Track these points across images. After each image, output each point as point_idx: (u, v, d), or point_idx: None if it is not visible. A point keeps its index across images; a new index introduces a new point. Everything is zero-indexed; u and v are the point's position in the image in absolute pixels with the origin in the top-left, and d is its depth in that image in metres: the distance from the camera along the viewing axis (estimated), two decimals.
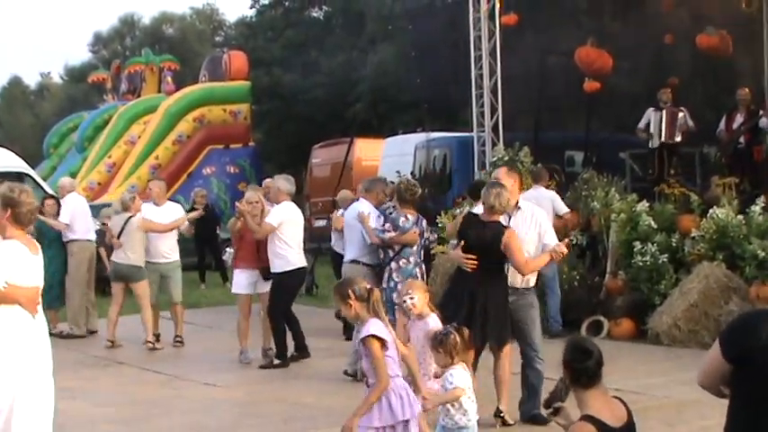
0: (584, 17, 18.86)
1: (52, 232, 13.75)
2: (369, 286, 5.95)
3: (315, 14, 43.02)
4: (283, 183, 11.54)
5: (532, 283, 8.51)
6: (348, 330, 12.10)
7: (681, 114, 15.80)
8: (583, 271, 13.40)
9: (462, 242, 8.26)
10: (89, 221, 14.41)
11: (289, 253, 11.27)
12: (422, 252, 10.10)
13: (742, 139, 15.48)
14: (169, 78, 31.57)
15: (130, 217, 13.04)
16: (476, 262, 8.12)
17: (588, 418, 4.06)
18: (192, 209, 19.38)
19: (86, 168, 28.61)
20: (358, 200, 11.43)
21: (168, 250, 13.28)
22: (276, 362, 11.45)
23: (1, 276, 6.01)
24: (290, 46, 39.21)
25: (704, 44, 17.30)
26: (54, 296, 13.43)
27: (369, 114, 32.83)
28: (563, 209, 12.94)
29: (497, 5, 16.80)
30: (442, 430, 6.37)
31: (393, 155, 20.82)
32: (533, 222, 8.43)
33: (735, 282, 11.88)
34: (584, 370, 4.18)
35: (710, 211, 12.53)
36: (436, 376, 6.61)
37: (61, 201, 14.28)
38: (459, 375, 6.24)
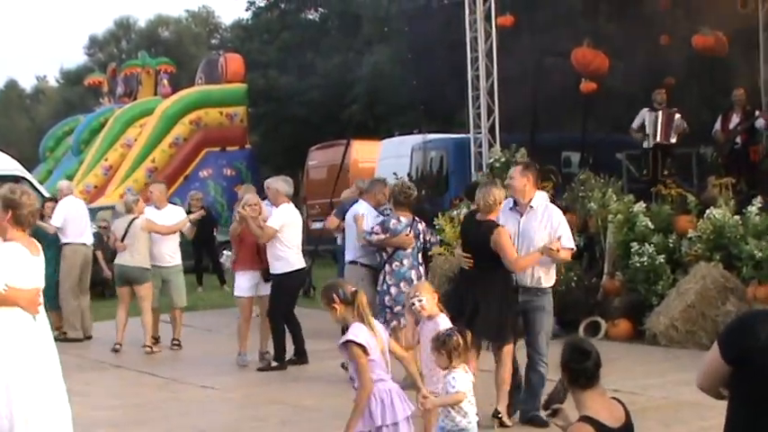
0: (580, 18, 18.86)
1: (50, 234, 13.75)
2: (354, 289, 5.94)
3: (311, 16, 42.99)
4: (282, 184, 11.54)
5: (545, 283, 8.42)
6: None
7: (678, 116, 15.82)
8: (580, 272, 13.40)
9: (461, 241, 8.33)
10: (83, 225, 14.34)
11: (289, 255, 11.30)
12: (419, 254, 10.05)
13: (738, 140, 15.49)
14: (165, 81, 31.56)
15: (134, 219, 13.05)
16: (473, 260, 8.21)
17: (587, 419, 4.07)
18: (189, 212, 19.41)
19: (83, 171, 28.58)
20: (357, 201, 11.46)
21: (171, 254, 13.28)
22: (274, 364, 11.46)
23: (1, 279, 6.00)
24: (286, 48, 39.19)
25: (700, 45, 17.31)
26: (50, 297, 13.40)
27: (365, 116, 32.84)
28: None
29: (493, 7, 16.82)
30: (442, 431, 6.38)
31: (390, 156, 20.83)
32: (545, 221, 8.39)
33: (732, 282, 11.87)
34: (582, 371, 4.18)
35: (707, 211, 12.53)
36: None
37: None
38: (462, 378, 6.24)
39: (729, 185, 13.55)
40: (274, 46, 39.73)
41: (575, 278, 13.31)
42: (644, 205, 13.26)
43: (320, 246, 18.40)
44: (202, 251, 20.11)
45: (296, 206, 11.99)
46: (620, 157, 16.69)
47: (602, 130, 18.79)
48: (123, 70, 33.89)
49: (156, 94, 31.58)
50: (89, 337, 14.32)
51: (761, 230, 12.05)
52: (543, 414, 7.24)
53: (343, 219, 12.76)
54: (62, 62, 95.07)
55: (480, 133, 17.05)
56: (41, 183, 21.52)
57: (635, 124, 16.12)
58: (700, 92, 20.00)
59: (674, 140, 15.83)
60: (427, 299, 7.12)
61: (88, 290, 14.60)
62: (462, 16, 17.19)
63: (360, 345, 5.74)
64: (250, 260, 11.60)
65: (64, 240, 14.00)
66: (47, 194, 15.80)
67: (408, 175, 18.44)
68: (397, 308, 9.68)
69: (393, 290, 9.76)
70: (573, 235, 8.69)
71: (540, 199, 8.52)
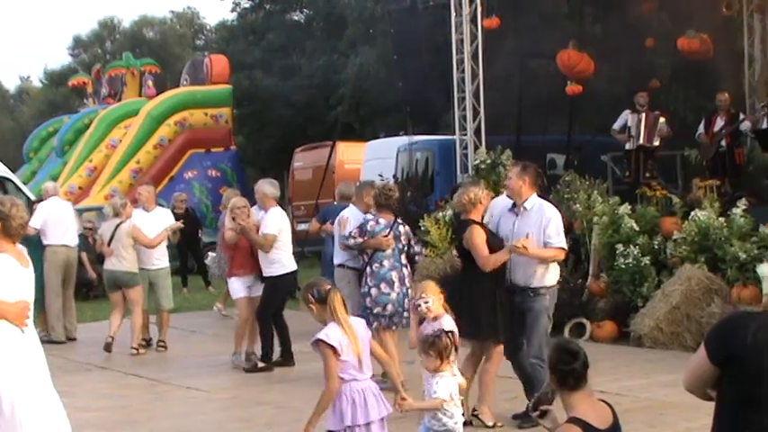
0: (566, 21, 18.91)
1: (35, 236, 13.69)
2: (328, 287, 5.95)
3: (296, 18, 42.98)
4: (269, 187, 11.54)
5: (536, 284, 8.40)
6: None
7: (662, 120, 15.87)
8: (565, 273, 13.36)
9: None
10: (65, 226, 14.22)
11: (283, 257, 11.35)
12: (401, 256, 10.00)
13: (723, 142, 15.56)
14: (150, 82, 31.46)
15: (120, 223, 12.98)
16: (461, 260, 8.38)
17: (574, 420, 4.07)
18: (173, 213, 19.36)
19: (67, 172, 28.46)
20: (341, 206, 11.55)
21: (158, 256, 13.25)
22: (261, 365, 11.43)
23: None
24: (271, 49, 39.17)
25: (685, 47, 17.39)
26: (37, 299, 13.32)
27: (350, 118, 32.82)
28: None
29: (479, 9, 16.84)
30: (426, 431, 6.37)
31: (375, 158, 20.84)
32: (539, 222, 8.41)
33: (717, 284, 11.91)
34: (570, 372, 4.19)
35: (692, 213, 12.58)
36: None
37: None
38: (445, 384, 6.22)
39: (714, 188, 13.60)
40: (259, 47, 39.70)
41: (560, 279, 13.32)
42: (629, 207, 13.29)
43: (306, 247, 18.39)
44: (187, 253, 20.06)
45: (281, 208, 11.98)
46: (604, 159, 16.74)
47: (587, 132, 18.85)
48: (108, 71, 33.76)
49: (140, 95, 31.49)
50: (73, 339, 14.27)
51: (745, 232, 12.09)
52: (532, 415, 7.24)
53: (324, 223, 12.80)
54: (46, 62, 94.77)
55: (466, 135, 17.07)
56: (25, 184, 21.41)
57: (617, 125, 16.18)
58: (685, 94, 20.08)
59: (656, 143, 15.90)
60: (433, 300, 7.11)
61: (73, 292, 14.53)
62: (448, 18, 17.21)
63: (330, 345, 5.76)
64: (246, 264, 11.56)
65: (45, 242, 13.93)
66: (32, 196, 15.73)
67: (394, 176, 18.46)
68: (377, 309, 9.67)
69: (374, 291, 9.76)
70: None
71: (535, 199, 8.53)
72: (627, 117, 15.99)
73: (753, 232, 12.06)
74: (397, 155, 19.79)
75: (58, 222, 14.08)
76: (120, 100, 31.76)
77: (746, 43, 18.46)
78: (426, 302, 7.11)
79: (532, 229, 8.37)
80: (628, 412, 7.77)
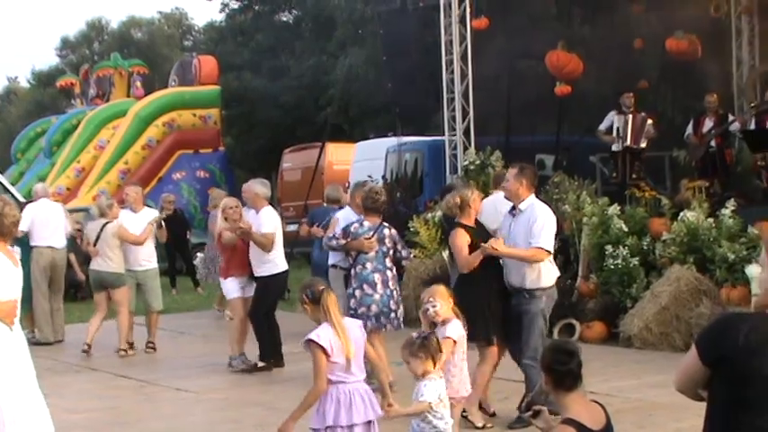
0: (555, 21, 18.93)
1: (24, 237, 13.63)
2: (322, 288, 5.97)
3: (284, 19, 42.92)
4: (260, 187, 11.52)
5: (528, 285, 8.40)
6: None
7: (650, 122, 15.89)
8: None
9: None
10: (52, 228, 14.14)
11: (276, 257, 11.34)
12: (385, 259, 9.98)
13: (713, 143, 15.59)
14: (138, 83, 31.43)
15: (107, 223, 12.94)
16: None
17: (569, 421, 4.07)
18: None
19: (55, 173, 28.42)
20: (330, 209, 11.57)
21: (146, 258, 13.18)
22: (260, 364, 11.38)
23: None
24: (260, 50, 39.13)
25: (673, 48, 17.42)
26: (24, 300, 13.30)
27: (339, 119, 32.80)
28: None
29: (468, 10, 16.85)
30: None
31: (364, 159, 20.82)
32: (527, 223, 8.44)
33: (705, 284, 11.93)
34: (567, 372, 4.18)
35: (681, 214, 12.60)
36: None
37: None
38: (433, 386, 6.19)
39: (703, 188, 13.63)
40: (248, 48, 39.66)
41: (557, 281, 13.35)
42: (618, 208, 13.30)
43: (295, 248, 18.36)
44: (176, 254, 20.03)
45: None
46: (593, 160, 16.76)
47: (575, 132, 18.86)
48: (96, 72, 33.71)
49: (128, 95, 31.46)
50: (61, 341, 14.22)
51: (734, 233, 12.11)
52: (524, 416, 7.25)
53: (313, 225, 12.79)
54: (33, 63, 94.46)
55: (455, 136, 17.08)
56: (13, 184, 21.35)
57: (602, 127, 16.20)
58: (673, 95, 20.12)
59: (643, 145, 15.92)
60: (441, 303, 7.10)
61: (61, 293, 14.47)
62: (437, 19, 17.22)
63: (320, 345, 5.77)
64: (242, 265, 11.51)
65: (31, 243, 13.88)
66: (20, 198, 15.67)
67: (383, 177, 18.45)
68: (362, 309, 9.65)
69: (357, 293, 9.75)
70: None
71: (530, 200, 8.54)
72: (613, 118, 16.01)
73: (741, 233, 12.08)
74: (387, 156, 19.78)
75: (45, 224, 14.02)
76: (108, 101, 31.72)
77: (734, 45, 18.52)
78: (434, 306, 7.10)
79: (522, 230, 8.40)
80: (617, 413, 7.73)
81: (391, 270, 9.94)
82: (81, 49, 57.57)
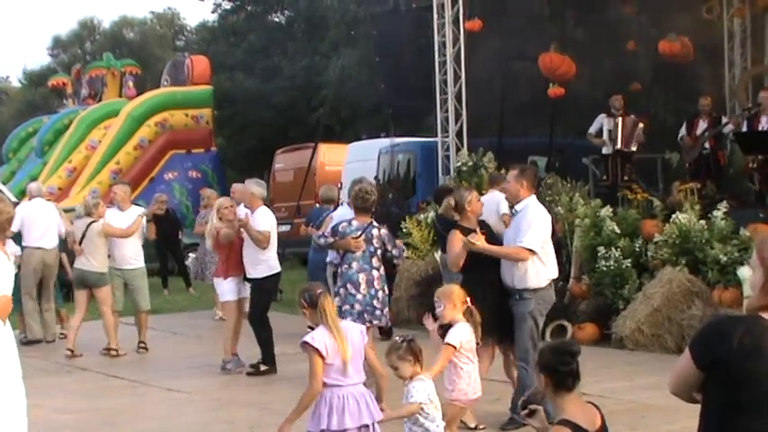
0: (548, 23, 18.95)
1: (17, 237, 13.59)
2: (319, 291, 5.98)
3: (277, 19, 42.89)
4: (256, 187, 11.50)
5: (518, 285, 8.40)
6: None
7: (640, 126, 15.90)
8: None
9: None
10: (44, 229, 14.07)
11: (270, 258, 11.30)
12: (371, 259, 9.97)
13: (707, 145, 15.62)
14: (131, 83, 31.36)
15: (92, 222, 12.90)
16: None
17: (564, 422, 4.07)
18: (153, 214, 19.27)
19: (46, 173, 28.34)
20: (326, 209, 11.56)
21: (133, 256, 13.12)
22: (263, 368, 11.32)
23: None
24: (253, 51, 39.09)
25: (666, 50, 17.45)
26: (15, 300, 13.26)
27: (332, 119, 32.81)
28: (503, 210, 12.83)
29: (461, 11, 16.86)
30: None
31: (357, 160, 20.82)
32: (518, 222, 8.50)
33: (697, 286, 11.95)
34: (570, 373, 4.18)
35: (673, 216, 12.61)
36: None
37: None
38: (422, 387, 6.19)
39: (695, 190, 13.65)
40: (240, 48, 39.62)
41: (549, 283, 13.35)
42: (610, 209, 13.32)
43: (287, 249, 18.35)
44: (167, 254, 20.00)
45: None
46: (585, 162, 16.78)
47: (568, 134, 18.89)
48: (88, 72, 33.63)
49: (121, 95, 31.39)
50: (52, 341, 14.18)
51: (726, 235, 12.14)
52: (516, 416, 7.27)
53: (309, 225, 12.79)
54: (25, 63, 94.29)
55: (448, 137, 17.10)
56: (4, 184, 21.31)
57: (592, 129, 16.21)
58: (666, 97, 20.16)
59: (634, 148, 15.93)
60: (444, 305, 7.08)
61: (52, 294, 14.40)
62: (430, 20, 17.24)
63: (314, 348, 5.78)
64: (238, 265, 11.46)
65: (23, 244, 13.83)
66: (12, 197, 15.63)
67: (376, 178, 18.44)
68: (346, 306, 9.63)
69: (342, 291, 9.75)
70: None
71: (527, 201, 8.55)
72: (603, 121, 16.02)
73: (733, 235, 12.11)
74: (379, 157, 19.78)
75: (36, 224, 13.94)
76: (100, 100, 31.65)
77: (726, 47, 18.57)
78: (439, 307, 7.10)
79: (515, 229, 8.46)
80: (610, 414, 7.68)
81: (378, 270, 9.91)
82: (73, 48, 57.46)
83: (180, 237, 20.46)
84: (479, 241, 8.34)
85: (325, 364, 5.80)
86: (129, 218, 13.11)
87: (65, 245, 15.47)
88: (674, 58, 17.59)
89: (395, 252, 10.14)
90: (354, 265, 9.81)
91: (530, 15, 18.67)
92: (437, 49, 17.10)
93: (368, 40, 26.80)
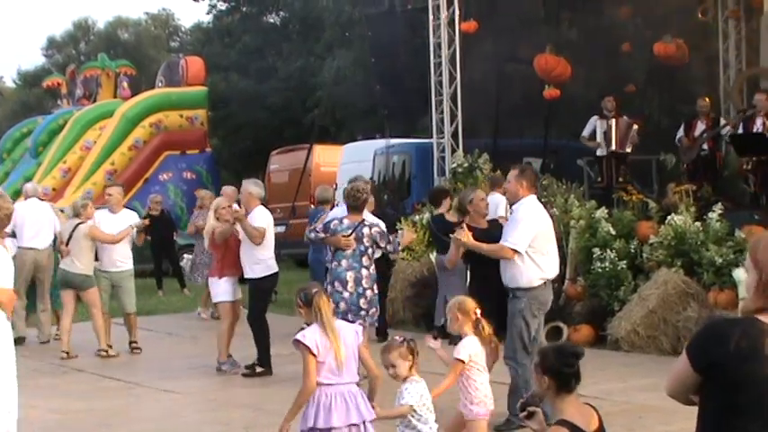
0: (543, 25, 18.97)
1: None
2: (314, 291, 6.03)
3: (272, 20, 42.87)
4: (254, 187, 11.50)
5: (511, 283, 8.44)
6: None
7: (635, 127, 15.91)
8: None
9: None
10: (37, 229, 14.01)
11: (267, 258, 11.29)
12: (362, 258, 9.97)
13: (705, 146, 15.62)
14: (125, 83, 31.31)
15: (79, 224, 12.86)
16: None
17: (563, 423, 4.08)
18: (148, 215, 19.28)
19: (41, 174, 28.29)
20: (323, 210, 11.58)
21: (121, 258, 13.06)
22: (259, 369, 11.30)
23: None
24: (247, 51, 39.07)
25: (661, 52, 17.46)
26: None
27: (327, 120, 32.82)
28: (500, 212, 12.87)
29: (457, 12, 16.87)
30: None
31: (352, 161, 20.82)
32: (509, 224, 8.61)
33: (693, 288, 11.96)
34: (574, 374, 4.20)
35: (668, 217, 12.62)
36: None
37: None
38: (415, 389, 6.18)
39: (690, 192, 13.66)
40: (235, 49, 39.60)
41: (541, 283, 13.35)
42: (606, 211, 13.32)
43: (282, 250, 18.34)
44: (162, 255, 19.98)
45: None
46: (580, 164, 16.80)
47: (563, 136, 18.91)
48: (83, 72, 33.61)
49: (115, 96, 31.36)
50: (47, 342, 14.15)
51: (721, 237, 12.15)
52: (515, 418, 7.28)
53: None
54: (19, 63, 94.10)
55: (443, 138, 17.11)
56: None
57: (586, 132, 16.21)
58: (660, 99, 20.18)
59: (628, 150, 15.94)
60: (451, 318, 7.04)
61: (47, 294, 14.36)
62: (425, 21, 17.25)
63: (305, 345, 5.82)
64: (234, 265, 11.45)
65: (16, 244, 13.80)
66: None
67: (371, 179, 18.43)
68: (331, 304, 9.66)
69: (329, 288, 9.77)
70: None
71: (524, 201, 8.57)
72: (596, 123, 16.01)
73: (729, 236, 12.12)
74: (374, 158, 19.79)
75: (28, 224, 13.88)
76: (94, 101, 31.63)
77: (721, 49, 18.60)
78: (448, 320, 7.10)
79: (506, 227, 8.58)
80: (606, 416, 7.66)
81: (368, 269, 9.93)
82: (67, 49, 57.41)
83: (174, 238, 20.43)
84: (465, 237, 8.42)
85: (318, 362, 5.83)
86: (120, 221, 13.05)
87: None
88: (668, 59, 17.60)
89: (389, 248, 10.17)
90: (344, 263, 9.86)
91: (525, 17, 18.68)
92: (432, 50, 17.11)
93: (363, 42, 26.82)
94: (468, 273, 8.79)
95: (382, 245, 10.05)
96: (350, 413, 5.87)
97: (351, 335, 6.06)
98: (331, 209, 12.84)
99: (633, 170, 16.19)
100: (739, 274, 11.01)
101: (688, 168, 15.68)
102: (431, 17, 17.06)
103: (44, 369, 12.09)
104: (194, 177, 28.25)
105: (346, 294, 9.74)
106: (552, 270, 8.63)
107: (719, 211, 12.38)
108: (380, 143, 20.05)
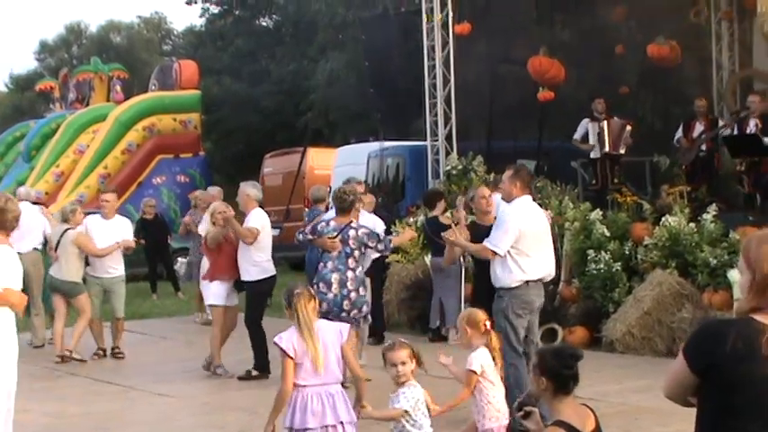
0: (536, 27, 18.97)
1: None
2: (296, 291, 6.09)
3: (264, 24, 42.85)
4: (252, 190, 11.49)
5: (495, 282, 8.49)
6: None
7: (628, 128, 15.90)
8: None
9: None
10: (21, 233, 13.94)
11: (264, 261, 11.26)
12: (347, 260, 9.99)
13: (704, 147, 15.62)
14: (118, 87, 31.29)
15: (68, 229, 12.81)
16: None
17: (560, 423, 4.07)
18: (142, 219, 19.26)
19: (34, 177, 28.23)
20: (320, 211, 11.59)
21: (113, 264, 13.03)
22: (255, 373, 11.27)
23: (1, 279, 6.34)
24: (240, 55, 39.05)
25: (655, 54, 17.47)
26: None
27: (320, 123, 32.81)
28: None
29: (450, 15, 16.87)
30: None
31: (346, 164, 20.78)
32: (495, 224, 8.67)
33: (687, 289, 11.98)
34: (573, 376, 4.20)
35: (663, 219, 12.63)
36: None
37: None
38: (411, 395, 6.14)
39: (684, 193, 13.67)
40: (227, 53, 39.58)
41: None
42: (600, 213, 13.34)
43: (276, 253, 18.30)
44: (156, 258, 19.95)
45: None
46: (574, 166, 16.80)
47: (557, 138, 18.91)
48: (75, 76, 33.56)
49: (108, 100, 31.33)
50: (41, 346, 14.10)
51: (715, 238, 12.17)
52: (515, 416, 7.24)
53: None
54: (12, 67, 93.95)
55: (437, 141, 17.10)
56: None
57: (578, 135, 16.20)
58: (653, 101, 20.19)
59: (622, 151, 15.94)
60: (460, 332, 7.04)
61: (38, 298, 14.27)
62: (419, 24, 17.24)
63: (281, 348, 5.93)
64: (228, 268, 11.41)
65: None
66: None
67: (365, 182, 18.40)
68: None
69: (314, 289, 9.77)
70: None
71: (515, 201, 8.58)
72: (587, 126, 15.99)
73: (723, 238, 12.14)
74: (368, 161, 19.75)
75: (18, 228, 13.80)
76: (87, 105, 31.58)
77: (714, 50, 18.62)
78: (461, 331, 7.08)
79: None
80: (602, 417, 7.66)
81: (354, 271, 9.97)
82: (60, 52, 57.29)
83: (168, 241, 20.40)
84: (453, 236, 8.69)
85: (295, 364, 5.91)
86: (112, 227, 13.02)
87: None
88: (662, 61, 17.61)
89: (380, 247, 10.21)
90: (329, 264, 9.92)
91: (518, 19, 18.68)
92: (426, 52, 17.10)
93: (356, 44, 26.83)
94: (473, 269, 8.89)
95: (372, 245, 10.07)
96: (325, 414, 5.93)
97: (333, 334, 6.12)
98: (326, 210, 12.84)
99: (627, 172, 16.18)
100: (734, 274, 11.01)
101: (686, 170, 15.66)
102: (424, 19, 17.05)
103: (38, 373, 12.04)
104: (188, 181, 28.23)
105: (330, 296, 9.78)
106: (536, 272, 8.54)
107: (714, 213, 12.41)
108: (374, 146, 20.02)
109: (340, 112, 32.35)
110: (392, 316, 14.58)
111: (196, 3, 41.15)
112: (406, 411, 6.04)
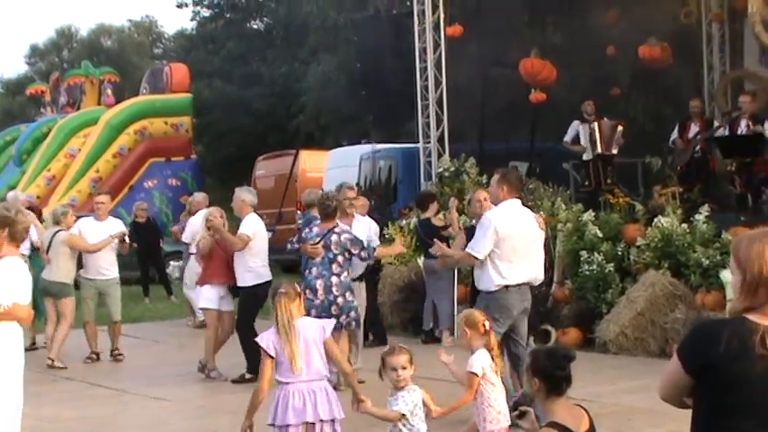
0: (528, 29, 19.01)
1: None
2: (280, 291, 6.16)
3: (256, 26, 42.85)
4: (247, 195, 11.49)
5: (478, 286, 8.63)
6: None
7: (620, 129, 15.92)
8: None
9: None
10: None
11: (259, 266, 11.21)
12: (331, 265, 9.99)
13: (698, 148, 15.64)
14: (109, 91, 31.24)
15: (58, 231, 12.80)
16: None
17: (554, 425, 4.08)
18: (134, 222, 19.23)
19: (25, 182, 28.17)
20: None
21: (107, 266, 13.00)
22: (248, 376, 11.23)
23: (12, 293, 6.34)
24: (231, 58, 39.05)
25: (646, 55, 17.51)
26: None
27: (312, 126, 32.83)
28: None
29: (442, 17, 16.88)
30: None
31: (338, 166, 20.80)
32: None
33: (680, 290, 11.99)
34: (566, 377, 4.20)
35: (655, 220, 12.65)
36: None
37: None
38: (410, 399, 6.13)
39: (677, 194, 13.70)
40: (219, 56, 39.57)
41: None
42: (593, 214, 13.35)
43: (268, 256, 18.29)
44: (148, 262, 19.93)
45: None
46: (566, 167, 16.83)
47: (549, 139, 18.93)
48: (67, 80, 33.49)
49: (99, 103, 31.28)
50: (35, 348, 14.08)
51: (708, 238, 12.19)
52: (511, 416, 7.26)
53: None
54: (2, 72, 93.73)
55: (429, 143, 17.11)
56: None
57: (568, 137, 16.20)
58: (645, 102, 20.23)
59: (615, 151, 15.96)
60: (461, 334, 7.04)
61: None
62: (411, 26, 17.25)
63: (260, 346, 6.08)
64: (220, 273, 11.39)
65: None
66: None
67: (357, 184, 18.40)
68: None
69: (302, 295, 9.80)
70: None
71: (499, 205, 8.60)
72: (578, 128, 16.00)
73: (715, 238, 12.16)
74: (360, 163, 19.77)
75: None
76: (78, 109, 31.52)
77: (705, 51, 18.66)
78: (462, 334, 7.08)
79: None
80: (595, 418, 7.71)
81: (338, 276, 9.99)
82: (50, 56, 57.27)
83: (160, 245, 20.38)
84: (439, 249, 8.99)
85: (276, 362, 6.02)
86: (105, 229, 12.96)
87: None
88: (653, 62, 17.65)
89: (363, 254, 10.20)
90: (314, 270, 9.97)
91: (510, 21, 18.70)
92: (418, 54, 17.11)
93: (347, 46, 26.85)
94: (467, 271, 8.95)
95: (355, 252, 10.07)
96: (306, 411, 5.98)
97: (315, 331, 6.17)
98: None
99: (619, 173, 16.20)
100: (726, 275, 11.04)
101: (681, 170, 15.66)
102: (416, 22, 17.06)
103: (32, 377, 11.85)
104: (179, 184, 28.20)
105: (317, 302, 9.83)
106: (517, 277, 8.55)
107: (706, 213, 12.42)
108: (366, 148, 20.02)
109: (332, 115, 32.36)
110: (385, 318, 14.57)
111: (187, 6, 41.19)
112: (404, 415, 6.04)
